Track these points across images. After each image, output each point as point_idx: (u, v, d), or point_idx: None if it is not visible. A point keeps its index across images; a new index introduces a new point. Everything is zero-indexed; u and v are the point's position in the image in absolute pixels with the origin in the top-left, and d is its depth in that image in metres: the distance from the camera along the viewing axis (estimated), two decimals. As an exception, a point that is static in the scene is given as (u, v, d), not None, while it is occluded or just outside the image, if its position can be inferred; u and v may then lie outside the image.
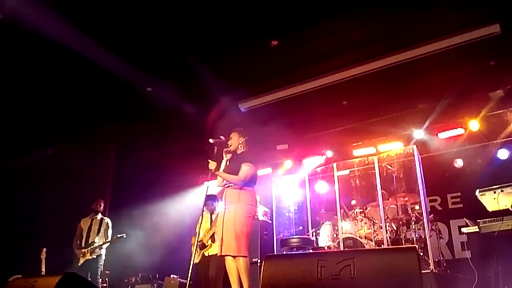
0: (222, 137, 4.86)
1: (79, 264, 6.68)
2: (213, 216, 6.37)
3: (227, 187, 4.67)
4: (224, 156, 4.82)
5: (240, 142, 4.83)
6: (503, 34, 5.82)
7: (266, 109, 7.66)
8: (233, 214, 4.48)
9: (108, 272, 7.24)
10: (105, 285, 6.91)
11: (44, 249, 6.51)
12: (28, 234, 7.39)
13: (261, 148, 8.84)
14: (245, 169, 4.58)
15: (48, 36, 5.63)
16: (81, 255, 6.73)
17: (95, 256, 6.77)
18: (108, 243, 7.01)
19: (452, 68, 6.66)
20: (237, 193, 4.59)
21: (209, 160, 4.69)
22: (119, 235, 7.03)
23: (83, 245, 6.82)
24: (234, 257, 4.42)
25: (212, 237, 6.24)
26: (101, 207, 7.20)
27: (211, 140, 4.80)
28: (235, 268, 4.42)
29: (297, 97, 7.37)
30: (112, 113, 7.98)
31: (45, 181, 8.15)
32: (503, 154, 7.24)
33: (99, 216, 7.13)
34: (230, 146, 4.85)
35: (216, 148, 4.80)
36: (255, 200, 4.72)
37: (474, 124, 7.40)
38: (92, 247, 6.79)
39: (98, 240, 6.88)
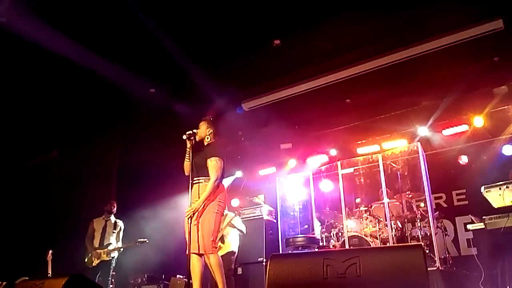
0: (195, 130, 4.51)
1: (94, 265, 6.65)
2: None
3: (196, 183, 4.39)
4: (187, 144, 4.48)
5: (208, 133, 4.56)
6: (507, 29, 5.78)
7: (270, 109, 7.63)
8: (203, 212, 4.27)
9: (114, 273, 7.27)
10: (111, 286, 6.90)
11: (50, 250, 6.52)
12: (34, 236, 7.42)
13: (265, 148, 8.89)
14: (213, 166, 4.31)
15: (48, 45, 5.68)
16: (97, 256, 6.69)
17: (110, 258, 6.74)
18: (129, 247, 7.00)
19: (456, 64, 6.63)
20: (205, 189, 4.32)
21: (185, 210, 4.26)
22: (140, 240, 6.95)
23: (97, 245, 6.77)
24: (201, 255, 4.21)
25: (222, 239, 6.39)
26: (115, 208, 7.09)
27: (184, 136, 4.45)
28: (200, 267, 4.18)
29: (300, 96, 7.33)
30: (116, 116, 7.99)
31: (51, 183, 8.18)
32: (508, 150, 7.22)
33: (113, 217, 7.05)
34: (197, 134, 4.56)
35: (192, 143, 4.47)
36: (224, 196, 4.42)
37: (479, 121, 7.38)
38: (108, 249, 6.75)
39: (113, 242, 6.85)
